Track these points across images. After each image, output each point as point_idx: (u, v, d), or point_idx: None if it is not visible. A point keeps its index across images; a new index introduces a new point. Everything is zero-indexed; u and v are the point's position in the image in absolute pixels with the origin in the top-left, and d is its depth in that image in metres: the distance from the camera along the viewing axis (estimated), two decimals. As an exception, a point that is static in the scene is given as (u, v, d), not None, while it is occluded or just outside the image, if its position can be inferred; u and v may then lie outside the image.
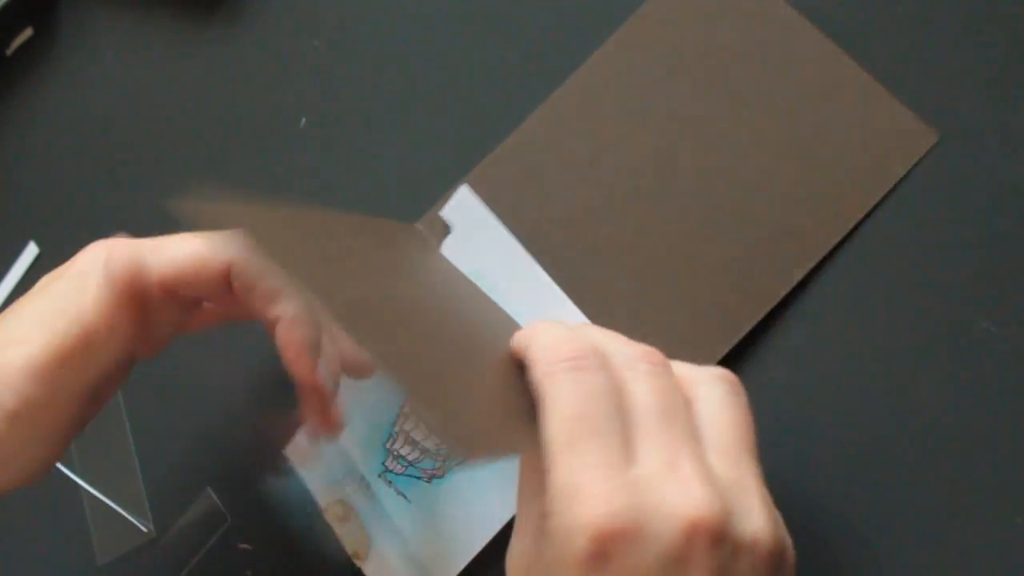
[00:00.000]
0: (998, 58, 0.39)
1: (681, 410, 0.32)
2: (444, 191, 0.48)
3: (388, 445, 0.45)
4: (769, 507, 0.31)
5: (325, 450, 0.46)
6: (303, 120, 0.53)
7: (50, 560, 0.53)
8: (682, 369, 0.34)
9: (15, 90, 0.63)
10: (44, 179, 0.61)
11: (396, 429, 0.44)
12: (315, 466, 0.46)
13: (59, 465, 0.52)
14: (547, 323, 0.34)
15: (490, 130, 0.48)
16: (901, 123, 0.40)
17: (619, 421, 0.31)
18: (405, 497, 0.44)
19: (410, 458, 0.44)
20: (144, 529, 0.50)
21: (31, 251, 0.59)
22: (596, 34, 0.46)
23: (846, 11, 0.42)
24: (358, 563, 0.45)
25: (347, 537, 0.45)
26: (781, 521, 0.31)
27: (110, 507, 0.51)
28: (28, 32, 0.63)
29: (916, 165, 0.40)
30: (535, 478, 0.32)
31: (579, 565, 0.29)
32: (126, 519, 0.50)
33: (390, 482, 0.44)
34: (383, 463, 0.45)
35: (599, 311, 0.42)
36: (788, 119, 0.42)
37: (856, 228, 0.40)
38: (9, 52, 0.63)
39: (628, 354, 0.33)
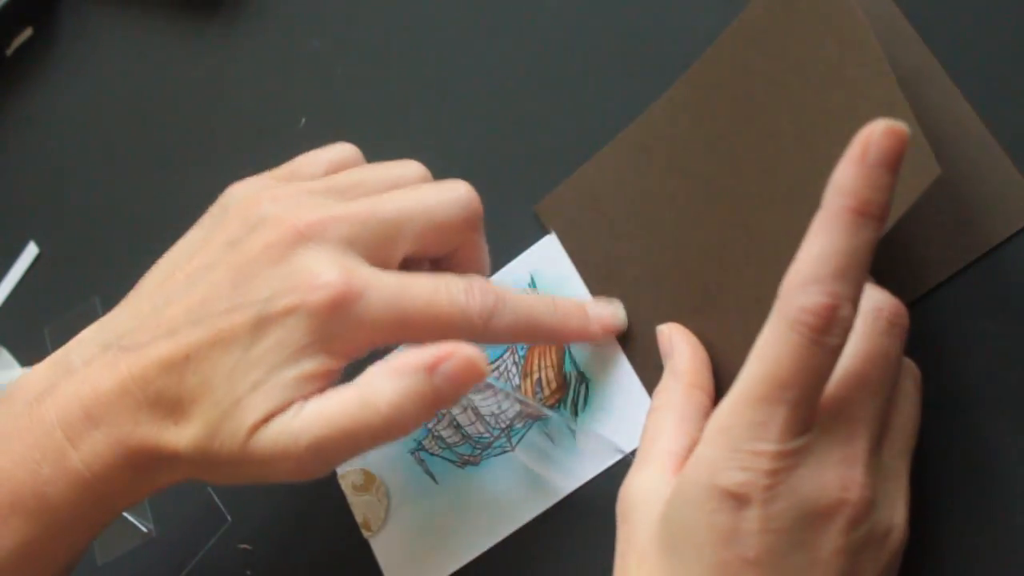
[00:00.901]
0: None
1: (887, 386, 0.34)
2: (444, 191, 0.48)
3: (431, 425, 0.44)
4: (908, 508, 0.33)
5: None
6: (303, 120, 0.53)
7: (50, 560, 0.53)
8: None
9: (15, 90, 0.63)
10: (44, 179, 0.61)
11: (443, 411, 0.44)
12: None
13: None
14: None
15: (491, 130, 0.48)
16: (1013, 189, 0.37)
17: (813, 393, 0.31)
18: (433, 478, 0.44)
19: (449, 441, 0.44)
20: (144, 529, 0.50)
21: (31, 251, 0.59)
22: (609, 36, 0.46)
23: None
24: (366, 534, 0.44)
25: (361, 507, 0.45)
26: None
27: (110, 507, 0.51)
28: (28, 32, 0.63)
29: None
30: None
31: (717, 498, 0.31)
32: (126, 519, 0.50)
33: (422, 461, 0.44)
34: (419, 441, 0.45)
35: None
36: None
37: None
38: (9, 52, 0.63)
39: (874, 301, 0.34)
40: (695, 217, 0.41)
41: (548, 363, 0.43)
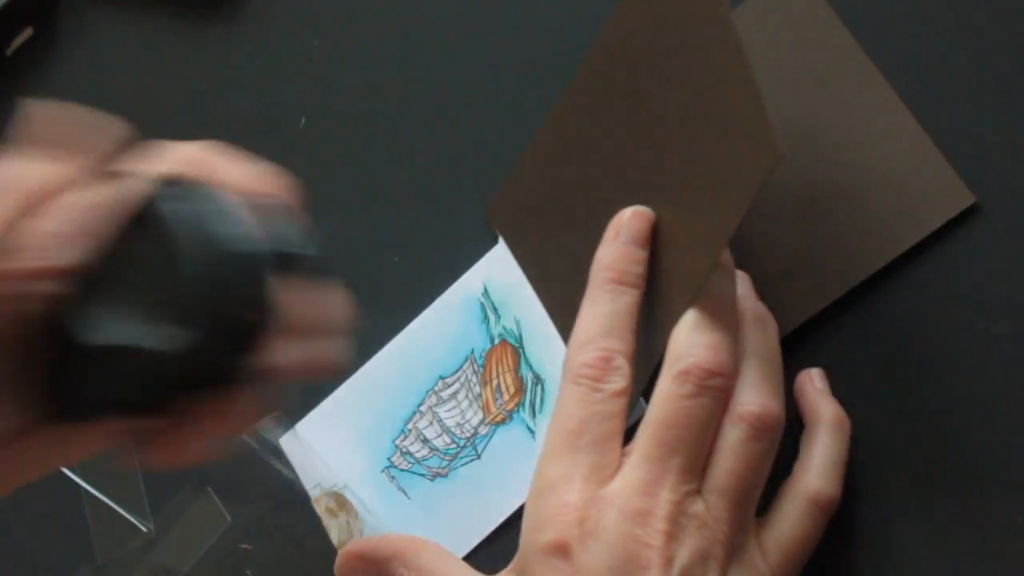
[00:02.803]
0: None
1: (692, 437, 0.34)
2: (444, 191, 0.48)
3: (398, 442, 0.45)
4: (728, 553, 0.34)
5: (322, 441, 0.46)
6: (303, 120, 0.53)
7: (50, 560, 0.53)
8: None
9: (15, 90, 0.63)
10: (44, 179, 0.60)
11: (410, 427, 0.45)
12: (310, 457, 0.46)
13: (59, 465, 0.52)
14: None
15: (491, 130, 0.48)
16: (941, 180, 0.39)
17: (612, 427, 0.34)
18: (406, 494, 0.44)
19: (418, 455, 0.44)
20: (144, 529, 0.50)
21: (31, 251, 0.59)
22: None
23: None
24: None
25: (335, 529, 0.45)
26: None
27: (110, 507, 0.51)
28: (28, 32, 0.63)
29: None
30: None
31: (546, 552, 0.33)
32: (126, 519, 0.50)
33: (393, 478, 0.45)
34: (389, 459, 0.45)
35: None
36: (825, 149, 0.41)
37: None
38: (9, 52, 0.63)
39: (746, 403, 0.35)
40: (607, 205, 0.41)
41: (506, 368, 0.44)
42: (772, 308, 0.39)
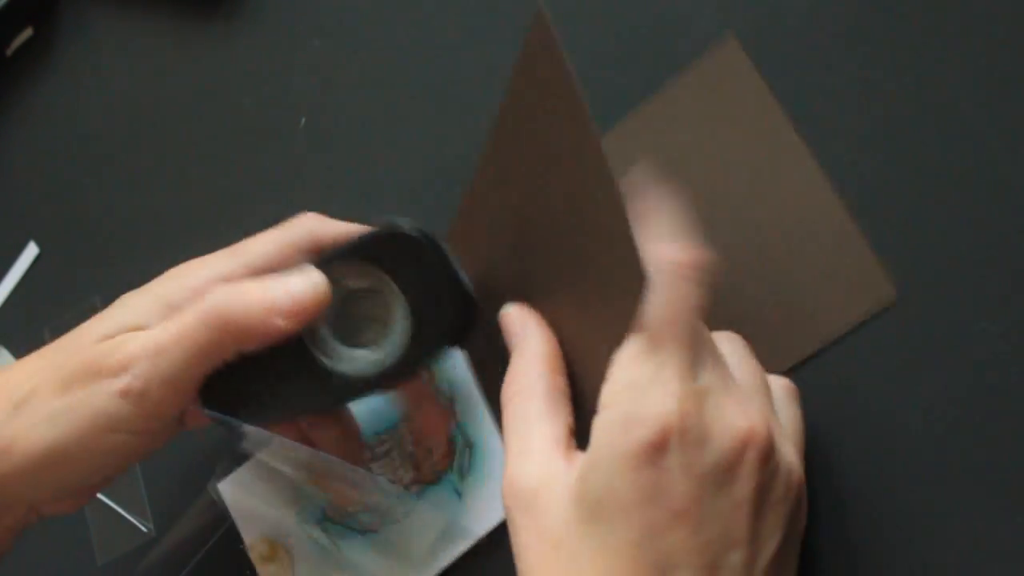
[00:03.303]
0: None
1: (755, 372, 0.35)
2: (444, 191, 0.48)
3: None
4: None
5: (260, 488, 0.46)
6: (303, 120, 0.53)
7: (50, 560, 0.53)
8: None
9: (15, 90, 0.63)
10: (44, 179, 0.61)
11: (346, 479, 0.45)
12: (248, 503, 0.46)
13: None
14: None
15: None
16: (866, 272, 0.38)
17: (698, 337, 0.33)
18: (337, 546, 0.45)
19: (351, 510, 0.45)
20: (144, 529, 0.50)
21: (31, 251, 0.59)
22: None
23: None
24: None
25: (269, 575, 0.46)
26: None
27: (110, 507, 0.51)
28: (28, 32, 0.63)
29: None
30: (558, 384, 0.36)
31: (635, 454, 0.31)
32: (126, 519, 0.50)
33: (326, 531, 0.45)
34: (323, 510, 0.45)
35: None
36: (750, 229, 0.40)
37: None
38: (9, 52, 0.63)
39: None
40: (530, 276, 0.40)
41: (439, 430, 0.44)
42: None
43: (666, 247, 0.32)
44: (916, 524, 0.36)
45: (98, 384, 0.39)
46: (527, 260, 0.39)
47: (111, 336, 0.40)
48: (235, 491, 0.47)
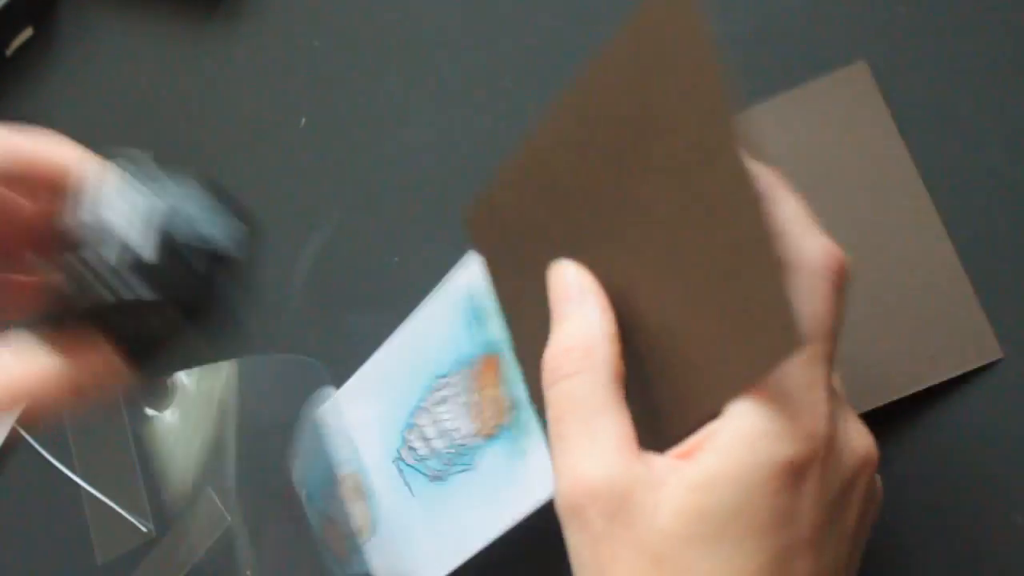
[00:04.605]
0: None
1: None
2: (443, 191, 0.48)
3: (406, 434, 0.44)
4: None
5: (349, 417, 0.46)
6: (303, 120, 0.53)
7: (50, 560, 0.53)
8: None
9: (15, 90, 0.63)
10: (44, 179, 0.60)
11: (414, 421, 0.44)
12: (342, 431, 0.46)
13: (59, 465, 0.52)
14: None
15: (491, 129, 0.48)
16: (972, 326, 0.38)
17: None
18: (411, 489, 0.44)
19: (421, 453, 0.44)
20: (144, 529, 0.50)
21: (31, 251, 0.59)
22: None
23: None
24: (360, 541, 0.45)
25: (356, 513, 0.45)
26: None
27: (110, 507, 0.51)
28: (28, 32, 0.63)
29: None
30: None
31: (778, 474, 0.28)
32: (126, 519, 0.50)
33: (400, 471, 0.44)
34: (398, 450, 0.44)
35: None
36: (863, 258, 0.39)
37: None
38: (9, 52, 0.63)
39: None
40: (578, 252, 0.35)
41: (491, 381, 0.41)
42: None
43: (812, 243, 0.30)
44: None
45: None
46: (593, 224, 0.35)
47: None
48: (335, 416, 0.46)
